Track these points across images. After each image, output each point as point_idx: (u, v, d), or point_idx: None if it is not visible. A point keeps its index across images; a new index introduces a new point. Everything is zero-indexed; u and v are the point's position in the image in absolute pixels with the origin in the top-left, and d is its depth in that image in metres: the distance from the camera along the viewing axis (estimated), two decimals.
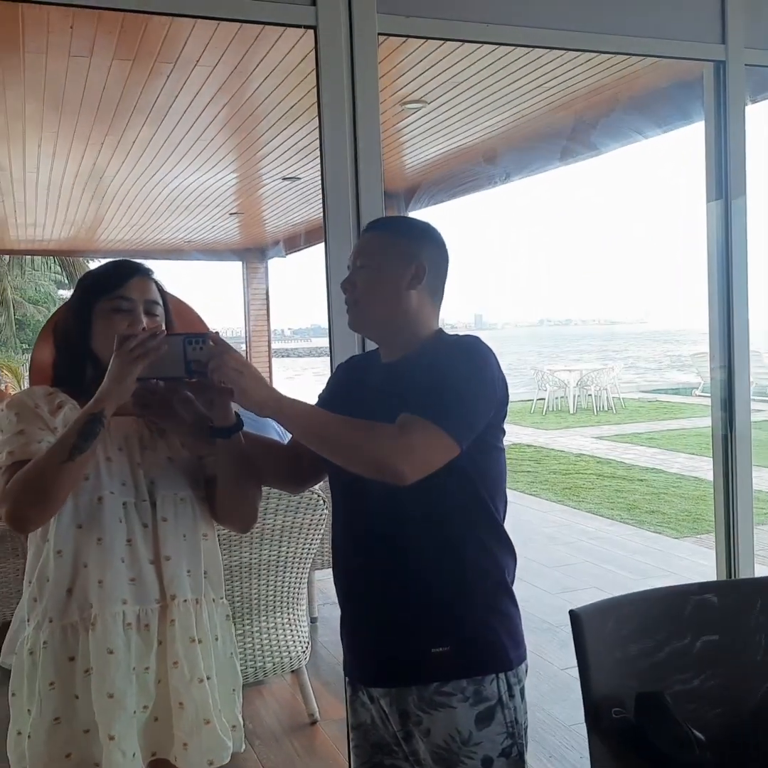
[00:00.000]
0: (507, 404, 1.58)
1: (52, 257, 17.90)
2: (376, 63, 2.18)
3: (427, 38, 3.10)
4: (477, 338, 1.55)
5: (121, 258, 1.76)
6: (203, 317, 3.04)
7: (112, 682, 1.56)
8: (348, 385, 1.72)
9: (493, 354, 1.53)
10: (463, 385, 1.46)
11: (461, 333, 1.62)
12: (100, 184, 6.83)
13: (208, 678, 1.66)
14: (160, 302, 1.70)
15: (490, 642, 1.53)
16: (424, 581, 1.53)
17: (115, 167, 6.21)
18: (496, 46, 3.52)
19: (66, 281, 19.20)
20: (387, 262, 1.60)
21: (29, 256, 17.98)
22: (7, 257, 18.03)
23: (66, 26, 3.38)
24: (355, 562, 1.62)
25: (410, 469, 1.40)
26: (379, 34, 2.14)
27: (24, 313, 19.97)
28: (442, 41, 3.56)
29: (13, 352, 19.04)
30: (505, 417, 1.59)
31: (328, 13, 2.06)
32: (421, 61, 3.94)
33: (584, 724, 1.87)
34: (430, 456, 1.43)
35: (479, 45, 3.58)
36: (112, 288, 1.64)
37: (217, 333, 1.52)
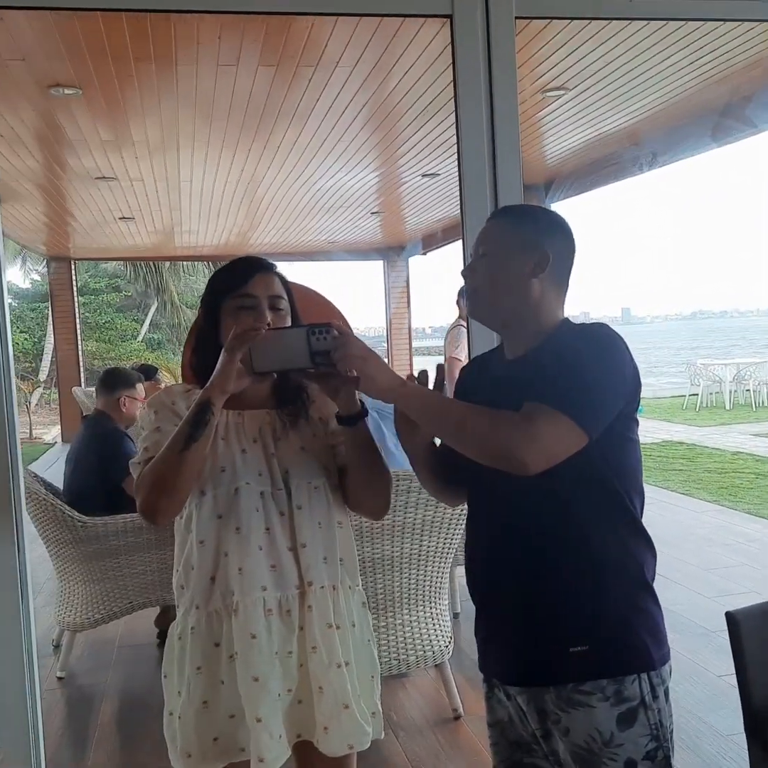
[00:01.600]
0: (639, 393, 1.50)
1: (207, 262, 18.80)
2: (513, 49, 2.13)
3: (567, 19, 3.01)
4: (604, 324, 1.49)
5: (248, 255, 1.80)
6: (346, 315, 3.08)
7: (257, 666, 1.61)
8: (472, 384, 1.67)
9: (623, 340, 1.46)
10: (591, 373, 1.40)
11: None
12: (249, 188, 7.10)
13: (346, 663, 1.68)
14: (284, 296, 1.73)
15: (630, 641, 1.46)
16: (559, 579, 1.47)
17: (262, 172, 6.44)
18: (645, 23, 3.38)
19: None
20: (509, 249, 1.55)
21: (188, 262, 18.95)
22: (168, 264, 19.08)
23: (214, 37, 3.53)
24: (488, 560, 1.58)
25: (533, 459, 1.36)
26: (517, 17, 2.09)
27: (183, 317, 21.07)
28: (585, 24, 3.46)
29: (172, 355, 20.15)
30: (638, 406, 1.52)
31: (464, 0, 2.03)
32: (561, 46, 3.84)
33: (743, 734, 1.76)
34: (554, 446, 1.37)
35: (625, 24, 3.45)
36: (237, 286, 1.68)
37: (340, 321, 1.53)
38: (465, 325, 5.78)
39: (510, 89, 2.14)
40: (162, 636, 4.01)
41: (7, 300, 2.02)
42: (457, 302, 5.05)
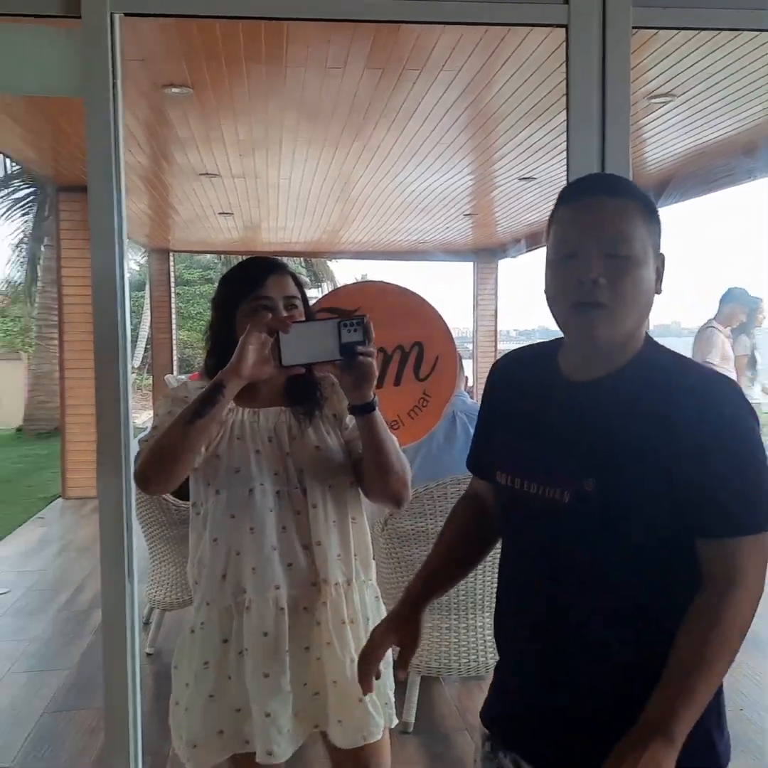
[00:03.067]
0: None
1: (298, 259, 19.07)
2: (628, 58, 2.13)
3: (683, 29, 2.97)
4: (737, 389, 1.24)
5: (258, 256, 1.81)
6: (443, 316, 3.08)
7: (267, 663, 1.64)
8: (522, 404, 1.36)
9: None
10: (756, 465, 1.18)
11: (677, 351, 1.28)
12: (345, 188, 7.20)
13: None
14: (299, 296, 1.74)
15: (697, 736, 1.16)
16: (621, 676, 1.21)
17: (359, 172, 6.52)
18: (757, 33, 3.30)
19: (310, 281, 20.37)
20: (647, 251, 1.24)
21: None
22: None
23: (325, 40, 3.61)
24: (556, 635, 1.28)
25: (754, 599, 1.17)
26: (633, 27, 2.09)
27: None
28: (696, 32, 3.40)
29: None
30: None
31: (581, 10, 2.04)
32: (671, 53, 3.77)
33: None
34: (763, 572, 1.19)
35: (737, 33, 3.37)
36: (252, 290, 1.69)
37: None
38: (719, 327, 5.73)
39: (623, 96, 2.14)
40: None
41: (128, 290, 2.12)
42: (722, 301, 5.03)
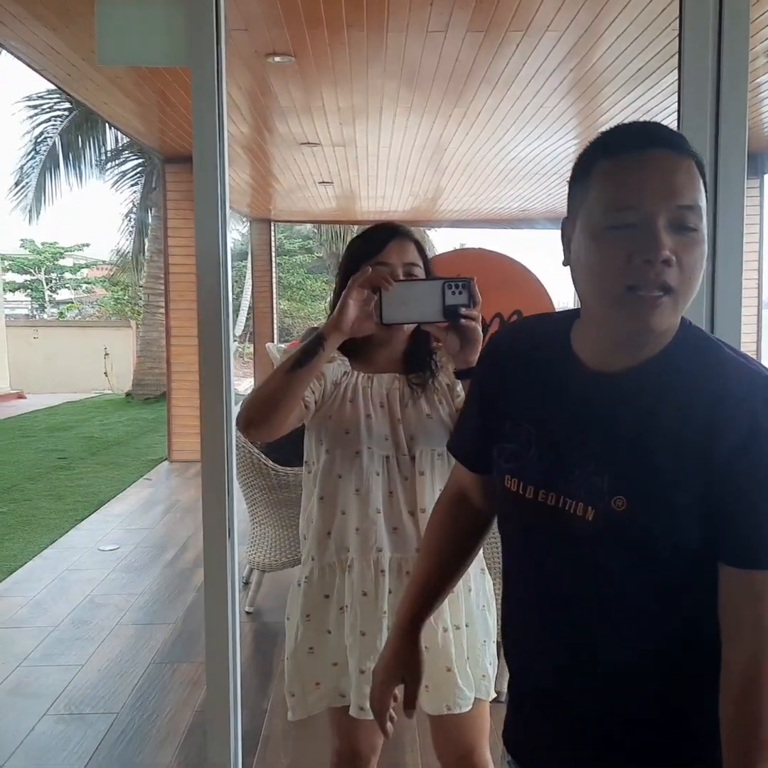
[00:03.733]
0: None
1: None
2: (748, 12, 2.00)
3: None
4: None
5: (384, 222, 1.79)
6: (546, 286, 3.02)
7: (366, 622, 1.68)
8: (535, 394, 1.13)
9: None
10: None
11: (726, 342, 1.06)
12: (443, 156, 7.12)
13: (455, 627, 1.71)
14: (420, 264, 1.72)
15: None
16: (641, 702, 1.07)
17: (459, 139, 6.43)
18: None
19: None
20: (704, 221, 1.01)
21: None
22: (356, 228, 19.55)
23: (426, 2, 3.56)
24: (548, 674, 1.14)
25: None
26: None
27: None
28: None
29: None
30: None
31: None
32: None
33: None
34: None
35: None
36: (372, 254, 1.67)
37: (473, 279, 1.52)
38: None
39: (741, 54, 2.01)
40: None
41: (230, 259, 2.17)
42: None
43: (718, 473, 0.97)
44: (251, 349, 13.84)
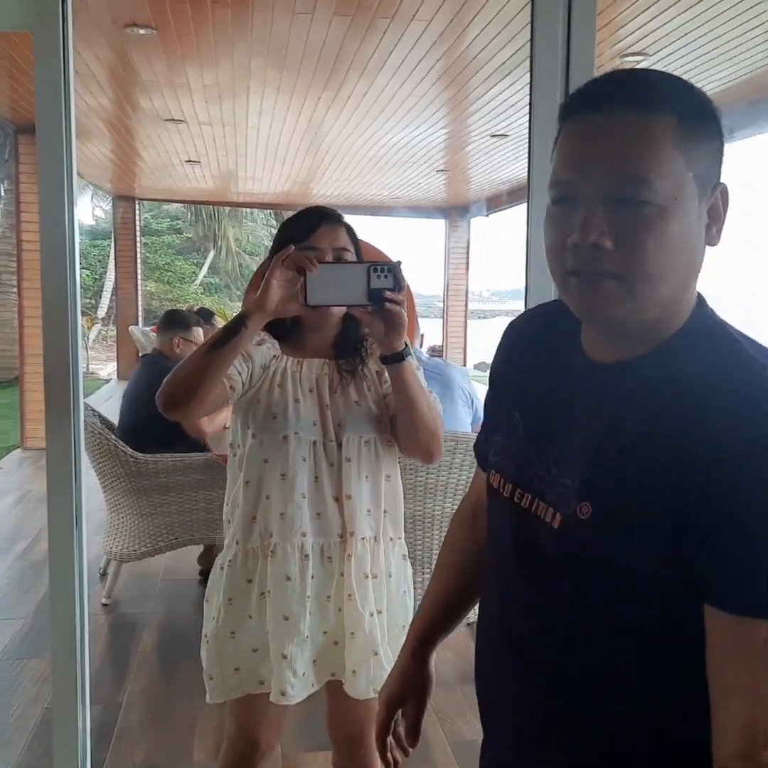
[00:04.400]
0: None
1: (268, 210, 18.82)
2: (594, 17, 2.08)
3: None
4: None
5: (315, 206, 1.78)
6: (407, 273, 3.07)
7: (288, 606, 1.68)
8: (535, 383, 1.02)
9: None
10: None
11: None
12: (315, 139, 7.08)
13: (379, 612, 1.74)
14: (351, 249, 1.73)
15: None
16: (610, 734, 0.92)
17: (329, 123, 6.41)
18: None
19: None
20: (690, 190, 0.85)
21: (248, 209, 19.01)
22: (226, 209, 19.17)
23: None
24: (509, 697, 1.01)
25: None
26: None
27: (240, 263, 21.22)
28: None
29: (229, 300, 20.34)
30: None
31: None
32: (644, 10, 3.73)
33: None
34: None
35: None
36: (302, 237, 1.68)
37: (400, 263, 1.54)
38: None
39: (588, 53, 2.09)
40: (204, 573, 4.13)
41: (78, 236, 2.07)
42: None
43: (700, 491, 0.80)
44: (115, 332, 13.36)
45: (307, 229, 1.69)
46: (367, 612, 1.71)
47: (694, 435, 0.81)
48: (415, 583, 1.88)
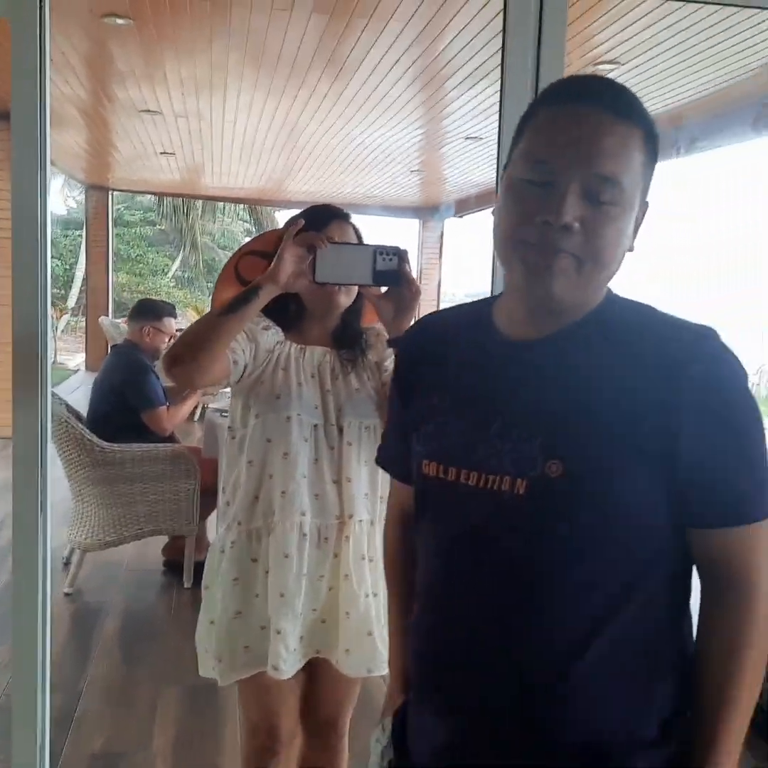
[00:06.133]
0: None
1: (242, 205, 18.74)
2: (565, 25, 2.13)
3: None
4: (719, 341, 0.95)
5: (322, 203, 1.86)
6: None
7: (285, 583, 1.72)
8: (452, 375, 1.07)
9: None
10: (754, 438, 0.94)
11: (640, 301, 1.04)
12: (290, 136, 7.09)
13: (374, 594, 1.78)
14: None
15: None
16: (587, 712, 0.96)
17: (305, 121, 6.42)
18: (700, 6, 3.35)
19: (253, 229, 20.06)
20: (637, 200, 0.97)
21: (221, 203, 18.91)
22: (200, 203, 19.04)
23: None
24: (473, 686, 1.01)
25: None
26: None
27: (213, 257, 21.09)
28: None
29: (200, 293, 20.21)
30: None
31: None
32: (618, 19, 3.80)
33: None
34: None
35: (682, 3, 3.41)
36: (315, 230, 1.71)
37: (406, 250, 1.61)
38: None
39: (558, 61, 2.14)
40: (168, 564, 4.14)
41: (50, 226, 2.08)
42: None
43: (665, 426, 0.91)
44: (85, 323, 13.24)
45: (321, 222, 1.75)
46: (362, 593, 1.76)
47: (667, 374, 0.92)
48: None
